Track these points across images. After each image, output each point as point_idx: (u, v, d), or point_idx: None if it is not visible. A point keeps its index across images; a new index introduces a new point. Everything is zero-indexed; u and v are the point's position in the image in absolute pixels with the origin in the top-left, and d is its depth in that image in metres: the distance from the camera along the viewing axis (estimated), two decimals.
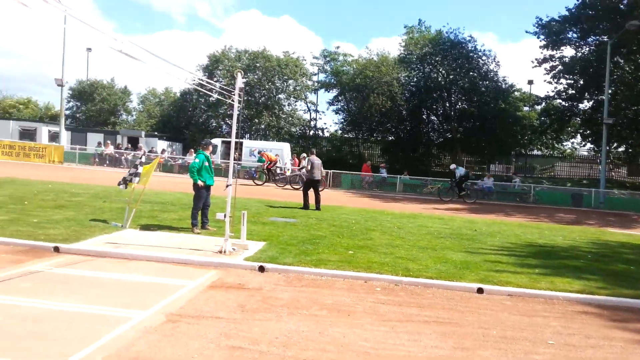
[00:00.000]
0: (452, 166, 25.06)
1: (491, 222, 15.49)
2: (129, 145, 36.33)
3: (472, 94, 39.14)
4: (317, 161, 15.42)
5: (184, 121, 44.55)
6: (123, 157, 32.23)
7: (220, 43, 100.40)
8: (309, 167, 15.28)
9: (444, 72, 40.04)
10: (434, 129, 42.96)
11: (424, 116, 42.17)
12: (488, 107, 38.15)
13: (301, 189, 16.49)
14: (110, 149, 32.60)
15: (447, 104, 40.95)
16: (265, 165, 26.67)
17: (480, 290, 6.76)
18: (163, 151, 35.40)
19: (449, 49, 38.81)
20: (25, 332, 4.26)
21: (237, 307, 5.40)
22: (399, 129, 42.38)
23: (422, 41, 39.77)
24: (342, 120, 44.59)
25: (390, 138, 43.18)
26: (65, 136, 35.23)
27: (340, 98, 44.15)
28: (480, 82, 39.22)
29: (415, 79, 41.22)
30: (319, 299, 5.93)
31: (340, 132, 46.17)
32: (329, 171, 29.72)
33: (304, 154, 28.79)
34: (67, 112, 42.47)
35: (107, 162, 31.84)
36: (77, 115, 49.10)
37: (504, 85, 39.81)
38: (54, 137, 36.69)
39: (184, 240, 8.69)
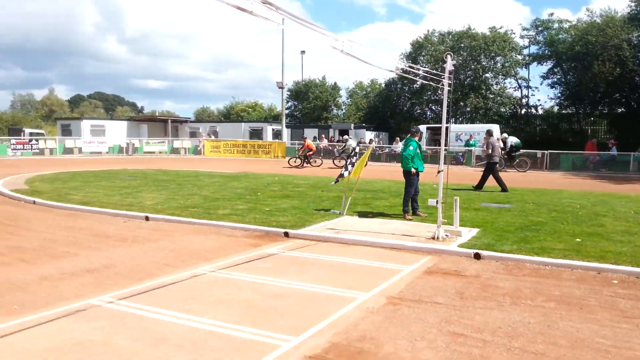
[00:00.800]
0: (504, 135, 25.31)
1: None
2: (340, 137, 38.68)
3: None
4: (497, 143, 15.60)
5: (389, 110, 45.52)
6: (335, 149, 34.45)
7: (421, 29, 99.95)
8: (490, 151, 14.93)
9: None
10: None
11: None
12: None
13: None
14: (325, 142, 35.07)
15: None
16: (302, 152, 27.18)
17: None
18: (370, 141, 36.78)
19: None
20: (268, 307, 4.89)
21: (456, 293, 5.36)
22: (630, 99, 36.49)
23: None
24: (559, 94, 40.19)
25: (620, 110, 37.46)
26: (286, 133, 39.16)
27: (555, 70, 39.82)
28: None
29: None
30: (544, 289, 5.53)
31: (556, 108, 41.78)
32: (545, 152, 27.24)
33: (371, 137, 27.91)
34: (287, 111, 47.02)
35: (321, 154, 34.38)
36: (295, 114, 54.03)
37: None
38: (277, 134, 41.06)
39: (396, 226, 8.94)
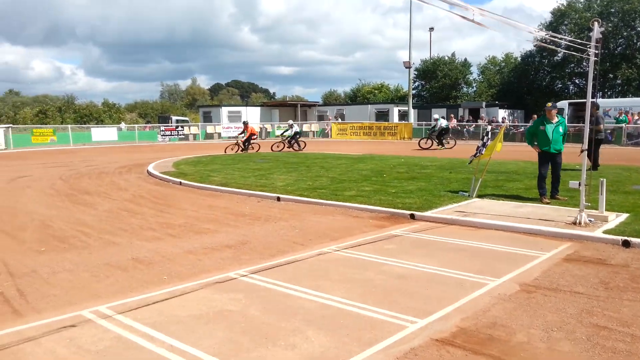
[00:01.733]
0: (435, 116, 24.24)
1: None
2: (470, 117, 37.04)
3: None
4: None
5: (526, 87, 42.47)
6: (465, 130, 33.07)
7: None
8: (602, 126, 14.29)
9: None
10: None
11: None
12: None
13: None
14: (453, 122, 33.89)
15: None
16: (245, 138, 23.97)
17: None
18: (503, 120, 34.72)
19: None
20: (393, 288, 4.90)
21: (599, 283, 4.90)
22: None
23: None
24: None
25: None
26: (412, 114, 38.49)
27: None
28: None
29: None
30: None
31: None
32: None
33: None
34: (414, 91, 46.09)
35: (450, 134, 33.26)
36: (422, 94, 52.77)
37: None
38: (403, 115, 40.53)
39: (532, 210, 8.38)
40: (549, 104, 9.53)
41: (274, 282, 5.05)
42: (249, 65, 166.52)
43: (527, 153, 18.06)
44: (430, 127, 28.12)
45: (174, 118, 47.26)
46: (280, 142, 25.45)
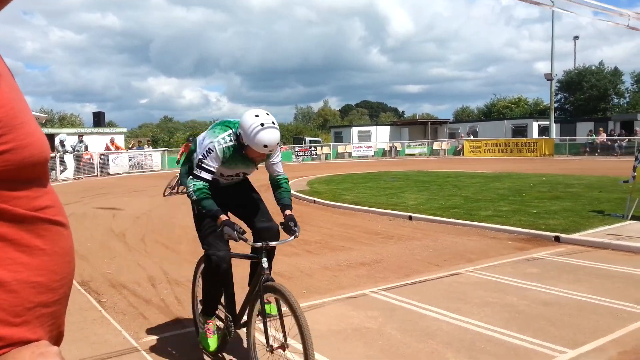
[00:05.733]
0: None
1: None
2: (622, 131, 33.50)
3: None
4: None
5: None
6: (616, 144, 30.01)
7: None
8: None
9: None
10: None
11: None
12: None
13: None
14: (603, 137, 30.95)
15: None
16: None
17: None
18: None
19: None
20: (537, 314, 4.62)
21: None
22: None
23: None
24: None
25: None
26: (554, 129, 35.88)
27: None
28: None
29: None
30: None
31: None
32: None
33: None
34: (556, 104, 43.01)
35: (599, 150, 30.40)
36: (566, 107, 49.02)
37: None
38: (544, 130, 37.95)
39: None
40: None
41: (410, 301, 5.05)
42: (377, 86, 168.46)
43: None
44: None
45: (307, 139, 49.35)
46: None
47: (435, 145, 39.51)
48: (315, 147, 39.26)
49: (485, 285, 5.57)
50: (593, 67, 47.63)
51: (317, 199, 13.22)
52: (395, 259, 6.90)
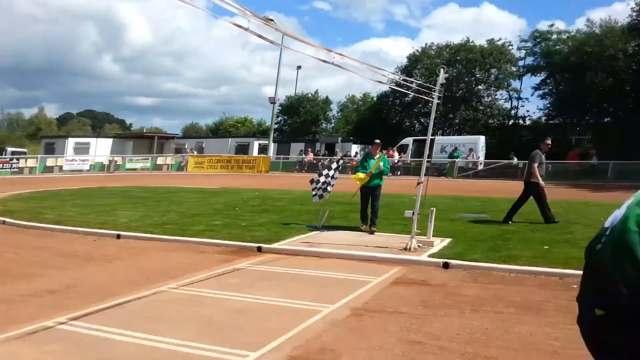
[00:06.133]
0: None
1: None
2: (326, 151, 38.73)
3: None
4: None
5: (378, 124, 45.76)
6: (319, 163, 34.47)
7: (418, 43, 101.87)
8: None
9: None
10: None
11: None
12: None
13: None
14: (310, 156, 35.12)
15: None
16: None
17: None
18: (356, 154, 36.87)
19: None
20: (231, 323, 4.81)
21: (419, 302, 5.33)
22: (618, 108, 35.62)
23: None
24: (548, 105, 40.03)
25: (607, 119, 37.12)
26: (272, 147, 39.15)
27: (548, 81, 39.69)
28: None
29: None
30: (505, 296, 5.53)
31: (544, 118, 41.66)
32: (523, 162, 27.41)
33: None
34: (276, 126, 46.97)
35: (306, 168, 34.36)
36: (284, 128, 54.05)
37: None
38: (263, 149, 41.01)
39: (372, 238, 8.91)
40: (377, 141, 10.04)
41: (99, 327, 4.64)
42: (106, 95, 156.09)
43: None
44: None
45: (9, 149, 42.37)
46: None
47: (160, 160, 38.63)
48: (17, 159, 33.96)
49: (186, 301, 5.55)
50: (310, 95, 54.06)
51: (7, 219, 11.30)
52: (92, 283, 6.32)
